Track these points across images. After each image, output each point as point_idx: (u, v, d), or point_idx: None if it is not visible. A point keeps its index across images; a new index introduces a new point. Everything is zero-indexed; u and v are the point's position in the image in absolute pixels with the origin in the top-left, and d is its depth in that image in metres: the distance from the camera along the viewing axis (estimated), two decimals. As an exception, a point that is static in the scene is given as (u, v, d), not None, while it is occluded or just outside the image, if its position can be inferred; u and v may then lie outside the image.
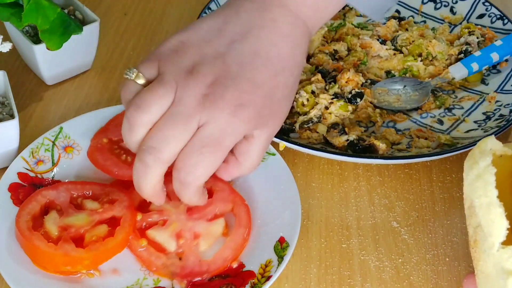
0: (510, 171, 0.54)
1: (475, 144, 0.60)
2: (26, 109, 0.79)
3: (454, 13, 0.91)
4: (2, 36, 0.71)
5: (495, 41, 0.84)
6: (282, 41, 0.61)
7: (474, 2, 0.90)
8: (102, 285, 0.60)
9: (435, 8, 0.92)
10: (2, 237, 0.62)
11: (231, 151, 0.61)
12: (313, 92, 0.76)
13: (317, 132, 0.75)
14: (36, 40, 0.77)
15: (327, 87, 0.78)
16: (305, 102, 0.75)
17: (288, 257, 0.61)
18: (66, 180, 0.68)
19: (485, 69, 0.83)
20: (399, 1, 0.93)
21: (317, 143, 0.74)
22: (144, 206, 0.65)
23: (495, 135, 0.71)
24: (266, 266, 0.61)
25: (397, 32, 0.87)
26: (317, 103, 0.75)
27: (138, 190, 0.59)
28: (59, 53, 0.76)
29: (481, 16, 0.90)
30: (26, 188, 0.66)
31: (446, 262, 0.65)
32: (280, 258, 0.61)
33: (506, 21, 0.88)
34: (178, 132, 0.56)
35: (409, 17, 0.92)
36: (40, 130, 0.75)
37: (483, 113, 0.78)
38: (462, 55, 0.84)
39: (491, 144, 0.52)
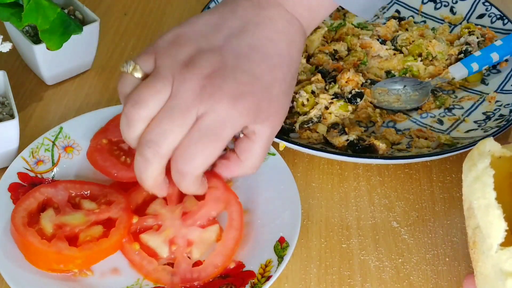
0: (508, 172, 0.54)
1: (475, 144, 0.60)
2: (26, 109, 0.79)
3: (454, 13, 0.91)
4: (2, 36, 0.71)
5: (495, 41, 0.84)
6: (279, 37, 0.61)
7: (474, 2, 0.90)
8: (102, 285, 0.60)
9: (435, 8, 0.92)
10: (2, 237, 0.62)
11: (233, 149, 0.61)
12: (313, 92, 0.76)
13: (317, 132, 0.75)
14: (36, 40, 0.77)
15: (327, 87, 0.78)
16: (305, 102, 0.75)
17: (288, 257, 0.61)
18: (66, 180, 0.68)
19: (485, 69, 0.83)
20: (399, 1, 0.93)
21: (317, 143, 0.74)
22: (141, 209, 0.65)
23: (495, 135, 0.71)
24: (266, 266, 0.61)
25: (397, 32, 0.87)
26: (317, 103, 0.75)
27: (140, 182, 0.59)
28: (59, 53, 0.76)
29: (481, 16, 0.89)
30: (26, 188, 0.66)
31: (446, 262, 0.65)
32: (280, 258, 0.61)
33: (506, 21, 0.88)
34: (175, 126, 0.56)
35: (409, 17, 0.92)
36: (40, 130, 0.75)
37: (483, 113, 0.78)
38: (462, 55, 0.83)
39: (490, 146, 0.52)
